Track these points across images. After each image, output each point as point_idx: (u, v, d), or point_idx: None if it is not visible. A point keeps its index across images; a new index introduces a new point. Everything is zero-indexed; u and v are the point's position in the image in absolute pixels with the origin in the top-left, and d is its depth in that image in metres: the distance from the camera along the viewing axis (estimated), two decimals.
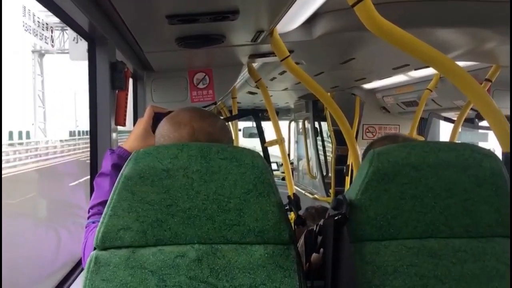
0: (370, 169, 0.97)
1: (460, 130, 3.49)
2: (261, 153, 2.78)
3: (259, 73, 3.02)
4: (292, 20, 1.83)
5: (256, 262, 0.93)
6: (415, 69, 2.83)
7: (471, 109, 2.97)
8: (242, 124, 6.66)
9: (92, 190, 1.24)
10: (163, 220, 0.91)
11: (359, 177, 0.99)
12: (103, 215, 0.91)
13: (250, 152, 0.94)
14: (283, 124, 6.63)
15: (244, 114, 2.94)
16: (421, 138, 3.34)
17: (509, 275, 0.98)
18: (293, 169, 6.21)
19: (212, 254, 0.92)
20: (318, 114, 5.19)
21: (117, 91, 1.44)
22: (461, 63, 2.62)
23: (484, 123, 3.06)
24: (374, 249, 0.98)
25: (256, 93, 4.58)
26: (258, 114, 2.55)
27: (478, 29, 1.88)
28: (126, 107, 1.49)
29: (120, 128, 1.57)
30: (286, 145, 6.70)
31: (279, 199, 0.94)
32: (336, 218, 0.95)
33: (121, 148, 1.20)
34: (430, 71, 2.96)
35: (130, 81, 2.31)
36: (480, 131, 3.19)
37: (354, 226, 0.98)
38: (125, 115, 1.48)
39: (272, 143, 2.60)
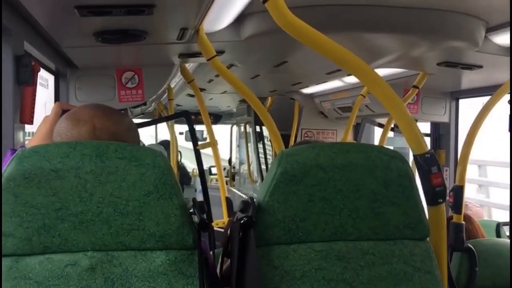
0: (278, 170, 0.93)
1: (393, 135, 3.59)
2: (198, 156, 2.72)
3: (197, 74, 2.96)
4: (220, 19, 1.79)
5: (157, 270, 0.87)
6: (348, 75, 2.87)
7: None
8: (185, 128, 6.56)
9: None
10: (52, 226, 0.83)
11: (268, 179, 0.95)
12: None
13: (152, 152, 0.88)
14: (227, 128, 6.58)
15: (175, 115, 2.86)
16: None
17: (417, 277, 0.97)
18: (234, 173, 6.17)
19: (107, 262, 0.85)
20: (260, 118, 5.18)
21: (22, 86, 1.34)
22: (390, 70, 2.68)
23: None
24: (282, 253, 0.95)
25: (193, 96, 4.51)
26: (189, 116, 2.49)
27: (406, 35, 1.91)
28: (33, 103, 1.38)
29: None
30: (228, 149, 6.66)
31: (182, 201, 0.89)
32: (242, 221, 0.91)
33: (24, 148, 1.10)
34: None
35: (51, 78, 2.18)
36: None
37: (262, 230, 0.94)
38: (32, 113, 1.38)
39: (204, 145, 2.55)
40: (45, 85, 2.06)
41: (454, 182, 2.15)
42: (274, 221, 0.94)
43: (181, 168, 5.56)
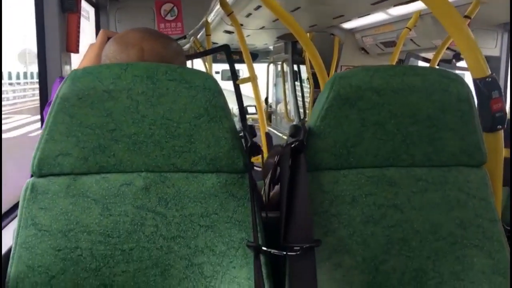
0: (331, 94, 0.90)
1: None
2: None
3: (234, 8, 2.88)
4: None
5: (208, 191, 0.88)
6: (394, 5, 2.72)
7: (449, 49, 2.90)
8: (221, 67, 6.50)
9: (42, 121, 1.16)
10: (106, 146, 0.84)
11: (319, 103, 0.92)
12: (39, 139, 0.83)
13: (202, 74, 0.87)
14: (263, 67, 6.49)
15: (215, 49, 2.81)
16: None
17: (471, 204, 0.95)
18: (271, 113, 6.15)
19: (160, 182, 0.87)
20: (298, 56, 5.06)
21: (67, 14, 1.33)
22: None
23: (461, 64, 3.00)
24: (333, 178, 0.93)
25: (233, 32, 4.42)
26: (229, 50, 2.44)
27: None
28: (78, 31, 1.38)
29: None
30: (264, 88, 6.59)
31: (232, 125, 0.87)
32: (293, 145, 0.89)
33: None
34: (409, 8, 2.85)
35: (92, 10, 2.17)
36: (457, 71, 3.13)
37: (312, 154, 0.93)
38: (77, 41, 1.37)
39: (244, 80, 2.52)
40: (86, 17, 2.04)
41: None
42: (325, 146, 0.92)
43: None
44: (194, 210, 0.86)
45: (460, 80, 0.93)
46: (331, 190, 0.93)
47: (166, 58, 0.96)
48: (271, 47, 5.84)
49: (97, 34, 2.21)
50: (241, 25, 3.88)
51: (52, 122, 0.83)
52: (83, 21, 1.96)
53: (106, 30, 1.15)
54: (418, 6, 2.70)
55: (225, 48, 2.42)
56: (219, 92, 0.86)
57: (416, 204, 0.93)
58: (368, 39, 3.82)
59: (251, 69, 2.47)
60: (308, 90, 4.99)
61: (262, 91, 6.53)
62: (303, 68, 5.15)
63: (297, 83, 5.24)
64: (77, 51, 1.38)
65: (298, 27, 1.71)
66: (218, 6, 2.63)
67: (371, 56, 4.07)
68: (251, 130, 0.90)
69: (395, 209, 0.93)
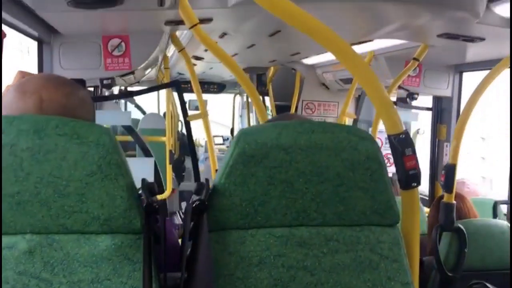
0: (236, 151, 0.87)
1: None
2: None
3: (192, 42, 2.86)
4: None
5: (101, 254, 0.82)
6: (351, 44, 2.76)
7: (403, 88, 2.95)
8: (189, 96, 6.47)
9: None
10: None
11: (225, 159, 0.89)
12: None
13: (98, 128, 0.82)
14: (230, 97, 6.49)
15: (165, 85, 2.78)
16: (353, 116, 3.32)
17: (383, 266, 0.92)
18: None
19: (47, 245, 0.81)
20: (263, 88, 5.08)
21: None
22: (392, 42, 2.57)
23: (416, 103, 3.05)
24: (239, 238, 0.89)
25: (195, 65, 4.41)
26: (180, 86, 2.41)
27: (408, 4, 1.81)
28: None
29: None
30: (230, 119, 6.57)
31: (130, 182, 0.83)
32: (194, 205, 0.85)
33: None
34: (365, 47, 2.90)
35: (34, 44, 2.12)
36: (413, 110, 3.19)
37: (217, 214, 0.88)
38: None
39: (195, 116, 2.48)
40: (24, 52, 1.99)
41: None
42: (231, 205, 0.88)
43: (181, 138, 5.51)
44: (84, 275, 0.80)
45: (370, 138, 0.91)
46: (237, 251, 0.89)
47: (68, 108, 0.91)
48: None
49: (39, 70, 2.15)
50: (202, 58, 3.89)
51: None
52: (21, 56, 1.90)
53: (23, 71, 1.09)
54: (372, 46, 2.74)
55: (175, 83, 2.38)
56: (114, 147, 0.81)
57: (327, 266, 0.90)
58: (328, 75, 3.86)
59: (202, 105, 2.44)
60: None
61: (229, 122, 6.52)
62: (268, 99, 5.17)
63: None
64: None
65: (235, 65, 1.70)
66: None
67: (331, 91, 4.11)
68: (149, 189, 0.85)
69: (305, 272, 0.89)
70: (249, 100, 5.38)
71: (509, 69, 1.80)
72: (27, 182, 0.79)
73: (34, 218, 0.80)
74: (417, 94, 2.98)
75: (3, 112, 0.92)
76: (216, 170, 2.65)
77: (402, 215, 0.97)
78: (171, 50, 3.64)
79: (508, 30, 1.93)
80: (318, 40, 0.99)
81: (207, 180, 0.89)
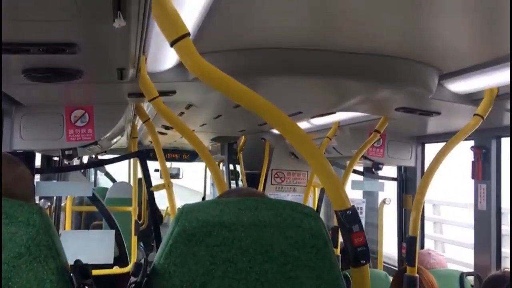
0: (176, 229, 0.84)
1: (362, 179, 3.52)
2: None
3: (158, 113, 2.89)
4: (164, 60, 1.74)
5: None
6: (311, 117, 2.83)
7: (368, 158, 3.00)
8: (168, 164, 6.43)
9: None
10: None
11: (164, 238, 0.86)
12: None
13: (29, 208, 0.79)
14: (202, 166, 6.48)
15: (130, 156, 2.77)
16: (320, 186, 3.33)
17: None
18: None
19: None
20: (234, 156, 5.11)
21: None
22: (356, 114, 2.64)
23: (380, 173, 3.09)
24: None
25: (166, 133, 4.43)
26: (144, 156, 2.40)
27: (367, 80, 1.89)
28: None
29: None
30: (202, 187, 6.51)
31: (61, 264, 0.79)
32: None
33: None
34: (330, 118, 2.98)
35: None
36: (380, 180, 3.22)
37: None
38: None
39: (159, 187, 2.45)
40: None
41: (421, 228, 2.06)
42: (170, 287, 0.84)
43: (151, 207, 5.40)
44: None
45: (314, 215, 0.90)
46: None
47: (5, 184, 0.89)
48: (209, 147, 5.88)
49: None
50: (171, 128, 3.91)
51: None
52: None
53: None
54: (337, 117, 2.82)
55: (139, 154, 2.37)
56: (46, 228, 0.78)
57: None
58: None
59: (166, 176, 2.42)
60: None
61: (200, 189, 6.47)
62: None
63: (233, 182, 5.24)
64: None
65: (196, 139, 1.71)
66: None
67: (301, 160, 4.15)
68: (81, 271, 0.81)
69: None
70: (221, 168, 5.38)
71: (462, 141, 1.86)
72: None
73: None
74: (382, 164, 3.03)
75: None
76: None
77: None
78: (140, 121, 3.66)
79: (463, 105, 2.02)
80: (265, 117, 1.00)
81: (145, 260, 0.85)
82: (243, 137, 4.55)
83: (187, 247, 0.84)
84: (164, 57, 1.71)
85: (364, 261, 0.96)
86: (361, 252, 0.95)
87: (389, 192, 3.35)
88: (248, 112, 2.99)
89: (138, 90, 2.01)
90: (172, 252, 0.84)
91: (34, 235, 0.76)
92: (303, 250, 0.88)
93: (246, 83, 1.93)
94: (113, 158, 2.53)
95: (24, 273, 0.76)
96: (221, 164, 5.32)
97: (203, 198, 6.20)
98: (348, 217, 0.96)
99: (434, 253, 2.55)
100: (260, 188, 4.07)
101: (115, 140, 3.31)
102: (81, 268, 0.81)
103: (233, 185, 5.21)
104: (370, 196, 3.79)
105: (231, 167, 5.18)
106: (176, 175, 6.44)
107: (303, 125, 3.36)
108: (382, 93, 2.06)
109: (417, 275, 1.78)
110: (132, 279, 0.84)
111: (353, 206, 0.98)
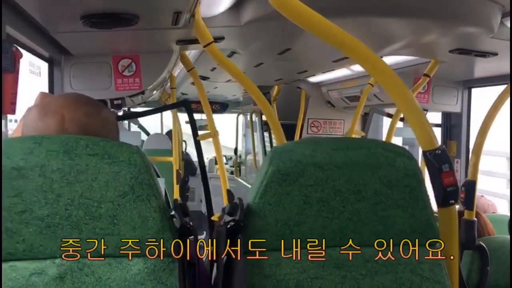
0: (270, 169, 0.84)
1: (402, 126, 3.47)
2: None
3: (199, 62, 2.85)
4: (218, 3, 1.69)
5: (134, 279, 0.78)
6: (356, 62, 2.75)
7: None
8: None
9: None
10: (15, 230, 0.75)
11: (258, 178, 0.86)
12: None
13: (128, 148, 0.79)
14: (234, 117, 6.48)
15: (174, 105, 2.76)
16: (362, 134, 3.29)
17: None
18: (240, 163, 6.08)
19: (78, 270, 0.77)
20: None
21: (3, 74, 1.25)
22: (399, 58, 2.56)
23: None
24: (274, 261, 0.85)
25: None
26: (189, 105, 2.39)
27: (417, 20, 1.80)
28: (15, 92, 1.29)
29: None
30: (233, 138, 6.55)
31: (162, 203, 0.80)
32: (228, 226, 0.81)
33: None
34: None
35: (45, 66, 2.10)
36: None
37: (252, 235, 0.85)
38: (14, 103, 1.29)
39: (205, 136, 2.45)
40: (36, 73, 1.97)
41: (466, 175, 2.03)
42: (265, 226, 0.85)
43: (185, 158, 5.48)
44: None
45: (407, 154, 0.88)
46: (273, 274, 0.85)
47: (90, 128, 0.88)
48: (240, 98, 5.85)
49: (50, 91, 2.13)
50: (207, 78, 3.88)
51: None
52: (33, 77, 1.88)
53: (44, 92, 1.07)
54: None
55: (184, 103, 2.36)
56: (146, 167, 0.78)
57: None
58: (333, 93, 3.85)
59: (211, 125, 2.42)
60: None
61: (232, 141, 6.50)
62: None
63: (266, 133, 5.23)
64: (13, 113, 1.30)
65: (249, 83, 1.68)
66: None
67: (337, 109, 4.09)
68: (182, 209, 0.82)
69: None
70: (253, 119, 5.37)
71: None
72: (57, 204, 0.75)
73: (65, 242, 0.76)
74: (426, 110, 2.96)
75: (25, 131, 0.89)
76: (228, 190, 2.61)
77: (440, 234, 0.93)
78: (176, 71, 3.63)
79: None
80: (347, 53, 0.97)
81: (240, 200, 0.85)
82: (276, 87, 4.49)
83: (281, 186, 0.84)
84: (218, 0, 1.66)
85: (453, 201, 0.95)
86: (451, 192, 0.94)
87: None
88: (290, 60, 2.94)
89: (188, 37, 1.98)
90: (267, 192, 0.84)
91: (137, 174, 0.77)
92: (396, 189, 0.87)
93: (289, 25, 1.87)
94: (159, 108, 2.55)
95: (128, 211, 0.77)
96: (253, 115, 5.30)
97: (235, 150, 6.23)
98: (438, 157, 0.93)
99: (483, 199, 2.52)
100: (296, 137, 4.06)
101: (154, 91, 3.30)
102: (182, 207, 0.82)
103: (266, 136, 5.21)
104: (410, 145, 3.74)
105: (263, 117, 5.15)
106: (206, 126, 6.46)
107: (343, 72, 3.29)
108: (435, 33, 1.97)
109: (475, 218, 1.77)
110: (227, 218, 0.84)
111: (443, 145, 0.95)
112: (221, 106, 6.15)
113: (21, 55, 1.31)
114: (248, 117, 5.57)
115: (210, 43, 1.64)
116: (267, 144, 5.19)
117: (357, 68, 3.06)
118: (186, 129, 5.64)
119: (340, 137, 1.08)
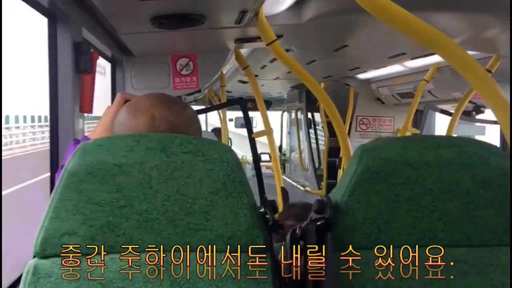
0: (359, 167, 0.83)
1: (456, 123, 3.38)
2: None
3: (249, 60, 2.87)
4: (280, 1, 1.69)
5: (226, 273, 0.79)
6: (412, 59, 2.70)
7: (469, 101, 2.85)
8: (234, 114, 6.50)
9: (52, 186, 1.10)
10: (116, 224, 0.78)
11: (346, 176, 0.85)
12: (43, 217, 0.77)
13: (219, 146, 0.81)
14: (277, 114, 6.48)
15: (230, 103, 2.79)
16: (416, 131, 3.22)
17: None
18: (285, 161, 6.08)
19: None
20: (312, 104, 5.04)
21: (82, 74, 1.30)
22: None
23: (481, 116, 2.93)
24: (363, 259, 0.85)
25: (247, 82, 4.43)
26: (245, 103, 2.41)
27: (479, 15, 1.75)
28: (92, 92, 1.34)
29: None
30: (278, 136, 6.54)
31: (252, 200, 0.80)
32: (318, 223, 0.82)
33: (87, 139, 1.06)
34: (427, 61, 2.83)
35: (108, 66, 2.17)
36: (477, 124, 3.06)
37: (340, 233, 0.84)
38: (91, 101, 1.34)
39: (259, 134, 2.47)
40: (102, 73, 2.04)
41: None
42: (354, 224, 0.84)
43: None
44: None
45: (501, 153, 0.85)
46: (361, 272, 0.84)
47: (178, 126, 0.91)
48: (284, 95, 5.85)
49: (112, 90, 2.20)
50: (256, 75, 3.90)
51: (58, 199, 0.76)
52: (98, 77, 1.94)
53: (124, 93, 1.10)
54: (436, 59, 2.67)
55: (240, 101, 2.38)
56: (237, 165, 0.79)
57: None
58: (384, 89, 3.79)
59: (267, 123, 2.43)
60: (323, 138, 4.93)
61: (276, 139, 6.51)
62: (317, 115, 5.12)
63: (311, 131, 5.20)
64: (90, 112, 1.35)
65: (312, 80, 1.68)
66: (233, 58, 2.63)
67: (387, 106, 4.03)
68: (272, 206, 0.83)
69: None
70: (298, 116, 5.35)
71: None
72: (155, 200, 0.77)
73: (161, 235, 0.79)
74: (484, 107, 2.87)
75: (117, 130, 0.93)
76: (282, 188, 2.62)
77: None
78: (224, 69, 3.67)
79: None
80: (426, 43, 0.95)
81: (328, 197, 0.85)
82: (322, 84, 4.46)
83: (371, 185, 0.83)
84: None
85: None
86: None
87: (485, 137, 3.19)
88: (344, 57, 2.90)
89: (246, 35, 2.00)
90: (355, 190, 0.83)
91: (229, 171, 0.78)
92: (489, 189, 0.84)
93: (350, 21, 1.82)
94: (215, 106, 2.57)
95: (220, 208, 0.79)
96: (298, 113, 5.28)
97: (280, 148, 6.23)
98: None
99: None
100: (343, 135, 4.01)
101: (206, 90, 3.35)
102: (272, 203, 0.82)
103: (312, 134, 5.18)
104: None
105: (309, 115, 5.13)
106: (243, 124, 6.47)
107: (395, 68, 3.23)
108: (497, 28, 1.90)
109: None
110: (314, 215, 0.84)
111: None
112: (265, 104, 6.16)
113: (97, 57, 1.36)
114: (293, 114, 5.55)
115: (273, 41, 1.65)
116: (313, 141, 5.17)
117: (411, 64, 3.00)
118: (229, 127, 5.68)
119: (429, 135, 1.07)
